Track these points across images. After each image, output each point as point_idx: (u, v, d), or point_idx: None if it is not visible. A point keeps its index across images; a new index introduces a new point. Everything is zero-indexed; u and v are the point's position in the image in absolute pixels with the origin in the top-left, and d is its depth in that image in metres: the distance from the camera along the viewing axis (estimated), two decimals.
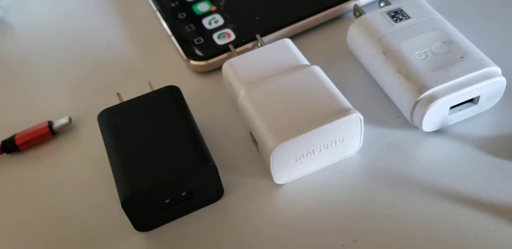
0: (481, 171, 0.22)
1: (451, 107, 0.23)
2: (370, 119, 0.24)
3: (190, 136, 0.22)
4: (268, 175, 0.23)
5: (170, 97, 0.23)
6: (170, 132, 0.22)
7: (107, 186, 0.24)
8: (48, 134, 0.26)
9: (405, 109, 0.23)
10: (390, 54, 0.23)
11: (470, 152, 0.23)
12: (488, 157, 0.22)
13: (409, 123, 0.24)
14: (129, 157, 0.21)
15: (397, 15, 0.25)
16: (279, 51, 0.25)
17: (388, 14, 0.25)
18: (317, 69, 0.23)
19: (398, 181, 0.22)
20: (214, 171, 0.21)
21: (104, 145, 0.23)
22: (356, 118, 0.22)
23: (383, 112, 0.25)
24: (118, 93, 0.25)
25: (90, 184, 0.24)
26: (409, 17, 0.25)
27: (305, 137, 0.21)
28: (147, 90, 0.25)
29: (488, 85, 0.22)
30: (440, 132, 0.23)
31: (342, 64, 0.27)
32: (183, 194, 0.22)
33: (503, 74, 0.23)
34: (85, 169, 0.25)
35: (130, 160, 0.21)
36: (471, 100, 0.23)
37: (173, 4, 0.30)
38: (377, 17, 0.25)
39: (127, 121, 0.23)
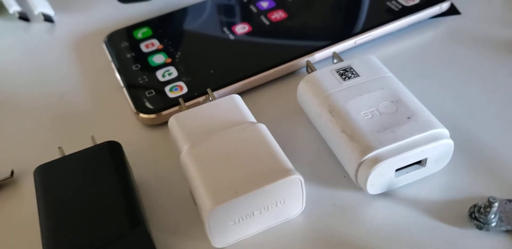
0: (427, 238, 0.21)
1: (398, 170, 0.22)
2: (316, 178, 0.24)
3: (124, 196, 0.21)
4: (208, 238, 0.22)
5: (109, 153, 0.23)
6: (103, 191, 0.21)
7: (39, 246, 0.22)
8: None
9: (350, 170, 0.22)
10: (336, 113, 0.23)
11: (417, 216, 0.22)
12: (436, 223, 0.22)
13: (356, 184, 0.23)
14: (57, 217, 0.20)
15: (346, 73, 0.25)
16: (227, 107, 0.24)
17: (337, 72, 0.25)
18: (263, 127, 0.23)
19: (341, 244, 0.21)
20: (145, 235, 0.20)
21: (36, 202, 0.22)
22: (296, 180, 0.21)
23: (330, 172, 0.24)
24: (59, 147, 0.24)
25: (22, 241, 0.23)
26: (358, 75, 0.24)
27: (243, 198, 0.20)
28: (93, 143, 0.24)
29: (435, 148, 0.22)
30: (387, 194, 0.23)
31: (292, 122, 0.26)
32: None
33: (454, 134, 0.22)
34: (21, 225, 0.24)
35: (57, 220, 0.20)
36: (418, 163, 0.22)
37: (129, 55, 0.30)
38: (326, 74, 0.25)
39: (60, 179, 0.22)
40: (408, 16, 0.30)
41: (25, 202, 0.25)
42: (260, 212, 0.21)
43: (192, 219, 0.23)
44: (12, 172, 0.26)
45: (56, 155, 0.24)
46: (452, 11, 0.31)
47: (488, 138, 0.24)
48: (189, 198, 0.24)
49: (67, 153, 0.24)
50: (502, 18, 0.31)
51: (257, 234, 0.22)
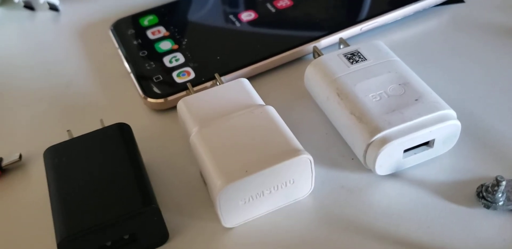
0: (435, 217, 0.21)
1: (405, 151, 0.22)
2: (324, 161, 0.24)
3: (135, 176, 0.21)
4: (217, 218, 0.22)
5: (119, 134, 0.23)
6: (114, 171, 0.21)
7: (50, 227, 0.22)
8: None
9: (358, 151, 0.22)
10: (344, 95, 0.23)
11: (425, 197, 0.22)
12: (444, 203, 0.22)
13: (364, 166, 0.23)
14: (69, 197, 0.20)
15: (353, 57, 0.25)
16: (235, 90, 0.24)
17: (345, 56, 0.25)
18: (271, 109, 0.23)
19: (350, 226, 0.21)
20: (156, 213, 0.20)
21: (47, 183, 0.22)
22: (306, 160, 0.21)
23: (338, 154, 0.24)
24: (68, 130, 0.24)
25: (33, 223, 0.23)
26: (365, 59, 0.25)
27: (253, 177, 0.20)
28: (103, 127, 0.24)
29: (442, 129, 0.22)
30: (395, 175, 0.23)
31: (299, 105, 0.26)
32: (125, 237, 0.21)
33: (460, 118, 0.23)
34: (31, 207, 0.24)
35: (69, 200, 0.20)
36: (426, 144, 0.23)
37: (135, 42, 0.30)
38: (334, 58, 0.25)
39: (71, 160, 0.22)
40: (413, 3, 0.30)
41: (34, 185, 0.25)
42: (270, 191, 0.21)
43: (202, 201, 0.23)
44: (20, 156, 0.26)
45: (65, 138, 0.24)
46: None
47: (493, 120, 0.25)
48: (199, 180, 0.24)
49: (76, 136, 0.24)
50: (505, 5, 0.31)
51: (266, 215, 0.22)
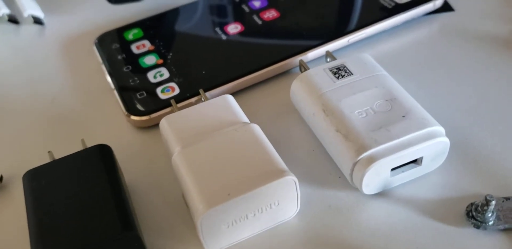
0: (424, 238, 0.21)
1: (393, 169, 0.22)
2: (310, 179, 0.23)
3: (115, 200, 0.20)
4: (200, 242, 0.21)
5: (99, 157, 0.22)
6: (93, 195, 0.20)
7: None
8: None
9: (345, 170, 0.22)
10: (330, 112, 0.23)
11: (414, 216, 0.21)
12: (433, 223, 0.21)
13: (351, 185, 0.23)
14: (46, 222, 0.20)
15: (339, 72, 0.24)
16: (219, 107, 0.24)
17: (331, 70, 0.24)
18: (255, 127, 0.22)
19: (338, 246, 0.21)
20: (137, 239, 0.20)
21: (25, 207, 0.21)
22: (290, 181, 0.20)
23: (325, 172, 0.23)
24: (49, 152, 0.24)
25: (12, 247, 0.23)
26: (351, 74, 0.24)
27: (236, 201, 0.20)
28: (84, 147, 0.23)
29: (431, 146, 0.21)
30: (383, 194, 0.22)
31: (286, 121, 0.26)
32: None
33: (449, 133, 0.22)
34: (10, 231, 0.23)
35: (47, 225, 0.20)
36: (414, 161, 0.22)
37: (119, 57, 0.30)
38: (319, 73, 0.24)
39: (50, 184, 0.21)
40: (401, 13, 0.29)
41: (15, 207, 0.24)
42: (254, 214, 0.21)
43: (185, 223, 0.22)
44: (1, 177, 0.25)
45: (46, 159, 0.23)
46: (446, 8, 0.31)
47: (483, 136, 0.24)
48: (182, 201, 0.23)
49: (57, 157, 0.23)
50: (496, 14, 0.30)
51: (251, 238, 0.22)
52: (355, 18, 0.29)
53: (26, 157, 0.26)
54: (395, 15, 0.29)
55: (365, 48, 0.29)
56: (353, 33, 0.29)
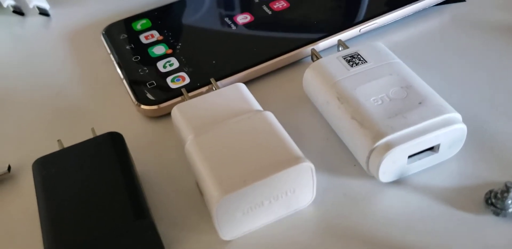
0: (443, 226, 0.20)
1: (410, 156, 0.21)
2: (325, 168, 0.23)
3: (127, 188, 0.20)
4: (215, 230, 0.21)
5: (111, 144, 0.22)
6: (105, 183, 0.20)
7: (39, 241, 0.22)
8: None
9: (361, 158, 0.22)
10: (345, 99, 0.22)
11: (431, 204, 0.21)
12: (451, 210, 0.21)
13: (366, 173, 0.22)
14: (58, 211, 0.19)
15: (353, 60, 0.24)
16: (232, 96, 0.23)
17: (344, 58, 0.24)
18: (269, 115, 0.22)
19: (354, 235, 0.21)
20: (150, 227, 0.19)
21: (36, 196, 0.21)
22: (307, 168, 0.20)
23: (339, 160, 0.23)
24: (58, 140, 0.23)
25: (22, 237, 0.22)
26: (365, 62, 0.24)
27: (252, 188, 0.19)
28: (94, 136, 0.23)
29: (448, 133, 0.21)
30: (399, 182, 0.22)
31: (298, 110, 0.25)
32: None
33: (465, 121, 0.22)
34: (21, 221, 0.23)
35: (59, 214, 0.19)
36: (431, 149, 0.22)
37: (128, 47, 0.29)
38: (333, 61, 0.24)
39: (60, 171, 0.21)
40: (413, 3, 0.29)
41: (24, 197, 0.24)
42: (270, 201, 0.20)
43: (199, 212, 0.22)
44: (9, 167, 0.25)
45: (56, 149, 0.23)
46: None
47: (499, 123, 0.24)
48: (195, 191, 0.23)
49: (66, 146, 0.23)
50: (506, 3, 0.30)
51: (266, 226, 0.21)
52: (366, 8, 0.29)
53: (35, 147, 0.26)
54: (407, 5, 0.29)
55: (377, 38, 0.29)
56: (364, 23, 0.28)
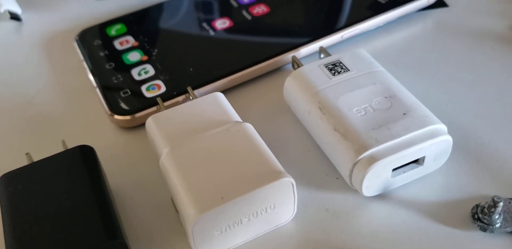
0: (428, 242, 0.20)
1: (394, 169, 0.21)
2: (306, 181, 0.22)
3: (98, 206, 0.19)
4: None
5: (81, 159, 0.21)
6: (76, 201, 0.19)
7: None
8: None
9: (344, 171, 0.21)
10: (327, 110, 0.21)
11: (416, 219, 0.20)
12: (437, 225, 0.20)
13: (349, 186, 0.21)
14: (24, 231, 0.18)
15: (335, 68, 0.23)
16: (209, 106, 0.22)
17: (326, 66, 0.23)
18: (249, 126, 0.21)
19: None
20: (123, 247, 0.18)
21: (0, 214, 0.20)
22: (288, 183, 0.19)
23: (321, 173, 0.22)
24: (27, 153, 0.22)
25: None
26: (348, 70, 0.23)
27: (230, 205, 0.18)
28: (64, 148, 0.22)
29: (433, 145, 0.20)
30: (383, 196, 0.21)
31: (279, 121, 0.25)
32: None
33: (449, 131, 0.21)
34: None
35: (25, 234, 0.18)
36: (415, 161, 0.21)
37: (102, 53, 0.28)
38: (314, 70, 0.23)
39: (27, 188, 0.20)
40: (395, 9, 0.28)
41: None
42: (249, 219, 0.19)
43: (174, 229, 0.21)
44: None
45: (24, 162, 0.22)
46: (440, 3, 0.30)
47: (485, 134, 0.23)
48: (170, 206, 0.22)
49: (35, 159, 0.22)
50: (490, 9, 0.30)
51: (245, 243, 0.20)
52: (348, 14, 0.28)
53: (2, 160, 0.25)
54: (389, 11, 0.28)
55: (359, 44, 0.28)
56: (346, 28, 0.28)
